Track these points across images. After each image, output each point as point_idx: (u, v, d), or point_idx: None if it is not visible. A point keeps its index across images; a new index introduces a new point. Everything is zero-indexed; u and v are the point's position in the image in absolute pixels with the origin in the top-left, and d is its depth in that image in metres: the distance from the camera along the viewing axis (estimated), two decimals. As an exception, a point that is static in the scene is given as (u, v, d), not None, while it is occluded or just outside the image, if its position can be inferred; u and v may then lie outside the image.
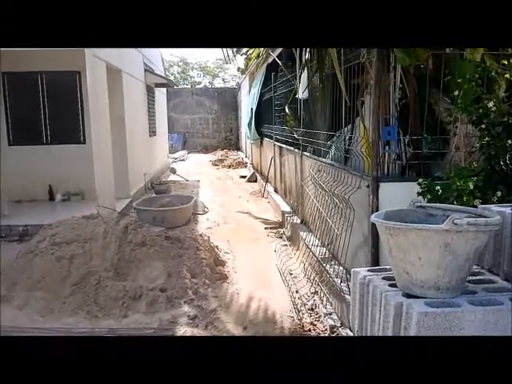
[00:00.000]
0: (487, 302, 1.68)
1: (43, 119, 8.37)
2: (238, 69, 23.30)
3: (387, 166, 3.67)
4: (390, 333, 1.70)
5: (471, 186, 2.72)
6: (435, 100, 3.65)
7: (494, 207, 2.07)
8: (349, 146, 4.39)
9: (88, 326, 3.89)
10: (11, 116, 8.34)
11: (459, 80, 3.00)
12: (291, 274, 5.05)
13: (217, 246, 5.67)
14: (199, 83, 32.99)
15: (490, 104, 2.81)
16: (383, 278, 1.93)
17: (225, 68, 33.19)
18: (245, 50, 14.46)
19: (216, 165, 17.13)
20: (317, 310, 4.11)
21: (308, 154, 5.99)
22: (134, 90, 10.07)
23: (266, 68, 10.39)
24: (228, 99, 24.09)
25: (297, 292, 4.54)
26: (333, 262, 4.36)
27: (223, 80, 33.45)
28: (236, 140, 23.95)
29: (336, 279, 3.97)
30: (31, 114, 8.32)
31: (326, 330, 3.73)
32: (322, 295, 4.24)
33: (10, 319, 3.95)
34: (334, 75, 4.48)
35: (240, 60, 19.19)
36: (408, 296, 1.74)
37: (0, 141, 8.27)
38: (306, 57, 5.66)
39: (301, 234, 5.68)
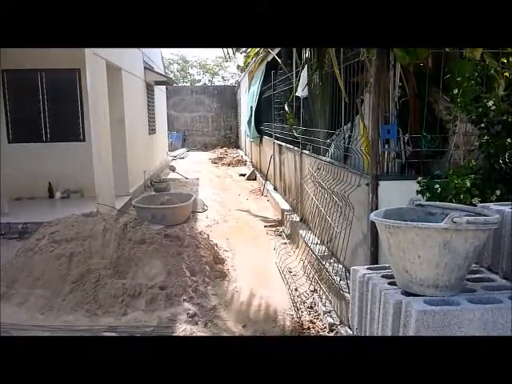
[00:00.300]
0: (486, 300, 1.69)
1: (43, 117, 8.37)
2: (238, 67, 23.30)
3: (387, 164, 3.67)
4: (389, 331, 1.71)
5: (468, 184, 2.72)
6: (435, 98, 3.65)
7: (493, 206, 2.08)
8: (348, 144, 4.40)
9: (88, 323, 3.89)
10: (11, 113, 8.34)
11: (459, 78, 3.00)
12: (290, 272, 5.06)
13: (216, 244, 5.68)
14: (199, 81, 32.96)
15: (490, 103, 2.81)
16: (382, 276, 1.93)
17: (224, 66, 33.16)
18: (244, 48, 14.44)
19: (215, 163, 17.12)
20: (316, 307, 4.12)
21: (307, 152, 5.99)
22: (134, 87, 10.07)
23: (266, 66, 10.38)
24: (227, 97, 24.07)
25: (296, 290, 4.55)
26: (332, 260, 4.37)
27: (223, 78, 33.43)
28: (235, 138, 23.94)
29: (335, 277, 3.98)
30: (31, 112, 8.32)
31: (325, 328, 3.74)
32: (321, 293, 4.25)
33: (9, 316, 3.95)
34: (334, 73, 4.48)
35: (240, 58, 19.17)
36: (407, 294, 1.75)
37: (0, 138, 8.27)
38: (306, 55, 5.67)
39: (300, 232, 5.69)
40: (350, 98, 4.23)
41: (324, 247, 4.80)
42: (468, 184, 2.71)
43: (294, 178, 6.96)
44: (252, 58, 13.46)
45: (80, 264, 4.51)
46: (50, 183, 8.40)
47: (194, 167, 15.72)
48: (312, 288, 4.47)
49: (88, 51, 6.52)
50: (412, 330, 1.58)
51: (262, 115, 11.30)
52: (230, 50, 6.66)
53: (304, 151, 6.20)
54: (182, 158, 19.38)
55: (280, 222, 7.39)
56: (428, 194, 2.93)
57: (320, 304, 4.05)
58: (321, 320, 3.88)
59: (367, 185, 3.57)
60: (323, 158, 5.05)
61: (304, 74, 5.66)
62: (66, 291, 4.26)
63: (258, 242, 6.44)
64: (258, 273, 5.13)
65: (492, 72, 3.19)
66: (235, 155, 18.90)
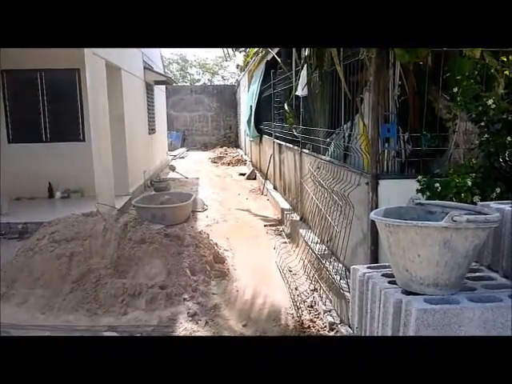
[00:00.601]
0: (486, 298, 1.69)
1: (43, 117, 8.37)
2: (237, 66, 23.26)
3: (386, 163, 3.67)
4: (389, 329, 1.71)
5: (469, 183, 2.72)
6: (434, 97, 3.65)
7: (493, 204, 2.08)
8: (348, 143, 4.39)
9: (88, 323, 3.90)
10: (11, 114, 8.34)
11: (458, 77, 3.00)
12: (291, 271, 5.06)
13: (216, 244, 5.68)
14: (198, 81, 32.96)
15: (490, 101, 2.81)
16: (383, 275, 1.93)
17: (224, 65, 33.15)
18: (244, 48, 14.43)
19: (215, 162, 17.11)
20: (316, 306, 4.12)
21: (307, 151, 5.99)
22: (134, 87, 10.06)
23: (265, 65, 10.37)
24: (227, 97, 24.07)
25: (296, 289, 4.55)
26: (332, 259, 4.37)
27: (222, 77, 33.43)
28: (235, 137, 23.94)
29: (335, 276, 3.98)
30: (31, 112, 8.32)
31: (325, 326, 3.74)
32: (321, 292, 4.25)
33: (10, 316, 3.96)
34: (333, 72, 4.48)
35: (239, 57, 19.16)
36: (407, 293, 1.74)
37: (0, 138, 8.26)
38: (306, 54, 5.66)
39: (300, 231, 5.69)
40: (350, 97, 4.23)
41: (324, 246, 4.80)
42: (469, 183, 2.72)
43: (294, 177, 6.96)
44: (251, 58, 13.45)
45: (80, 264, 4.52)
46: (49, 183, 8.40)
47: (194, 167, 15.72)
48: (312, 287, 4.47)
49: (87, 51, 6.52)
50: (412, 329, 1.58)
51: (262, 114, 11.30)
52: (229, 49, 6.65)
53: (304, 150, 6.20)
54: (182, 157, 19.38)
55: (280, 222, 7.39)
56: (428, 193, 2.93)
57: (320, 303, 4.05)
58: (321, 319, 3.89)
59: (367, 184, 3.57)
60: (323, 157, 5.05)
61: (304, 73, 5.65)
62: (66, 291, 4.26)
63: (258, 241, 6.44)
64: (258, 272, 5.13)
65: (492, 71, 3.19)
66: (235, 154, 18.90)
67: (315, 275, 4.57)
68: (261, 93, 11.12)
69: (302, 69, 5.73)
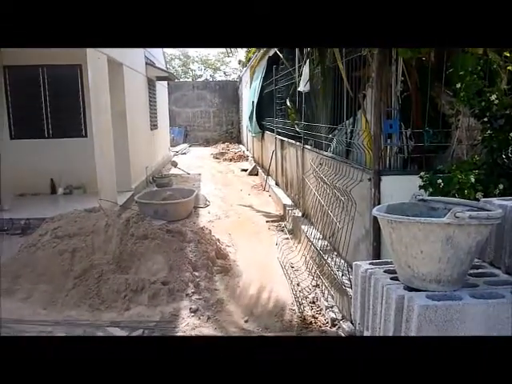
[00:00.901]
0: (489, 295, 1.69)
1: (45, 113, 8.37)
2: (239, 62, 23.23)
3: (389, 159, 3.67)
4: (391, 326, 1.71)
5: (472, 180, 2.72)
6: (437, 93, 3.64)
7: (495, 200, 2.07)
8: (350, 139, 4.39)
9: (90, 318, 3.91)
10: (13, 110, 8.33)
11: (461, 72, 2.98)
12: (293, 267, 5.07)
13: (218, 240, 5.68)
14: (200, 76, 32.90)
15: (493, 97, 2.80)
16: (385, 272, 1.93)
17: (226, 61, 33.08)
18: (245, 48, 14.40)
19: (217, 158, 17.11)
20: (318, 302, 4.13)
21: (309, 147, 5.98)
22: (136, 83, 10.05)
23: (267, 61, 10.34)
24: (229, 92, 24.03)
25: (298, 285, 4.55)
26: (334, 255, 4.37)
27: (224, 73, 33.36)
28: (237, 133, 23.91)
29: (337, 272, 3.98)
30: (33, 108, 8.32)
31: (327, 322, 3.75)
32: (323, 288, 4.25)
33: (13, 312, 3.97)
34: (336, 68, 4.47)
35: (241, 53, 19.12)
36: (409, 289, 1.75)
37: (2, 134, 8.27)
38: (308, 50, 5.65)
39: (302, 227, 5.69)
40: (352, 93, 4.22)
41: (326, 242, 4.80)
42: (472, 179, 2.71)
43: (296, 173, 6.96)
44: (253, 53, 13.42)
45: (83, 259, 4.53)
46: (52, 179, 8.41)
47: (196, 162, 15.72)
48: (314, 283, 4.48)
49: (89, 47, 6.52)
50: (414, 325, 1.59)
51: (264, 110, 11.28)
52: (231, 46, 6.65)
53: (306, 146, 6.19)
54: (184, 153, 19.38)
55: (282, 217, 7.39)
56: (430, 189, 2.93)
57: (322, 299, 4.06)
58: (323, 315, 3.89)
59: (369, 180, 3.57)
60: (325, 152, 5.04)
61: (306, 69, 5.64)
62: (68, 286, 4.28)
63: (260, 237, 6.44)
64: (261, 268, 5.14)
65: (495, 66, 3.18)
66: (237, 150, 18.88)
67: (317, 271, 4.57)
68: (263, 88, 11.10)
69: (304, 65, 5.71)
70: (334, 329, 3.63)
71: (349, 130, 4.49)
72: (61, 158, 8.35)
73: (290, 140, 7.57)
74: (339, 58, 4.20)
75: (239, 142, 22.87)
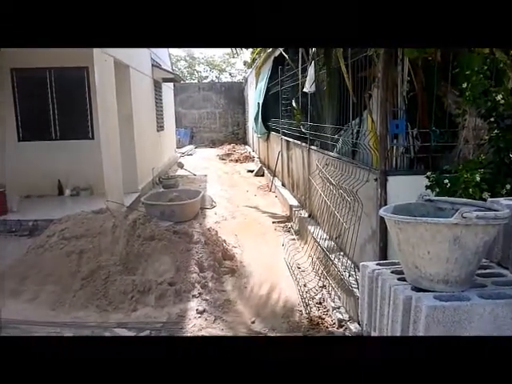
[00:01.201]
0: (497, 295, 1.68)
1: (52, 115, 8.42)
2: (245, 63, 23.22)
3: (395, 159, 3.66)
4: (398, 326, 1.71)
5: (477, 179, 2.71)
6: (443, 92, 3.63)
7: (503, 200, 2.06)
8: (356, 139, 4.38)
9: (98, 319, 3.93)
10: (20, 112, 8.39)
11: (468, 72, 2.97)
12: (299, 268, 5.06)
13: (225, 241, 5.69)
14: (206, 78, 32.94)
15: (499, 97, 2.79)
16: (392, 272, 1.93)
17: (231, 62, 33.11)
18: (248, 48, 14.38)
19: (223, 159, 17.13)
20: (325, 303, 4.12)
21: (315, 147, 5.97)
22: (142, 85, 10.09)
23: (273, 62, 10.35)
24: (235, 93, 24.06)
25: (305, 286, 4.55)
26: (341, 256, 4.36)
27: (230, 74, 33.37)
28: (243, 134, 23.93)
29: (344, 273, 3.98)
30: (40, 110, 8.37)
31: (334, 323, 3.74)
32: (329, 289, 4.25)
33: (21, 313, 4.00)
34: (341, 69, 4.46)
35: (246, 54, 19.13)
36: (417, 290, 1.74)
37: (10, 136, 8.33)
38: (313, 51, 5.65)
39: (308, 227, 5.69)
40: (358, 93, 4.22)
41: (332, 243, 4.79)
42: (478, 179, 2.70)
43: (302, 173, 6.95)
44: (257, 54, 13.43)
45: (90, 260, 4.55)
46: (59, 181, 8.46)
47: (202, 164, 15.75)
48: (321, 284, 4.47)
49: (96, 49, 6.54)
50: (422, 326, 1.58)
51: (270, 111, 11.28)
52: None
53: (312, 147, 6.19)
54: (190, 154, 19.41)
55: (288, 218, 7.38)
56: (437, 189, 2.92)
57: (329, 300, 4.05)
58: (330, 316, 3.89)
59: (376, 180, 3.56)
60: (331, 153, 5.04)
61: (311, 70, 5.64)
62: (76, 287, 4.30)
63: (266, 238, 6.44)
64: (267, 269, 5.14)
65: (501, 65, 3.16)
66: (243, 151, 18.89)
67: (324, 272, 4.57)
68: (268, 89, 11.10)
69: (310, 65, 5.71)
70: (340, 330, 3.62)
71: (355, 131, 4.48)
72: (68, 159, 8.40)
73: (295, 141, 7.57)
74: (342, 60, 4.20)
75: (245, 143, 22.88)
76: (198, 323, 3.82)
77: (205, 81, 30.85)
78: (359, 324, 3.39)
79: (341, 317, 3.70)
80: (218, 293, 4.45)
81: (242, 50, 10.84)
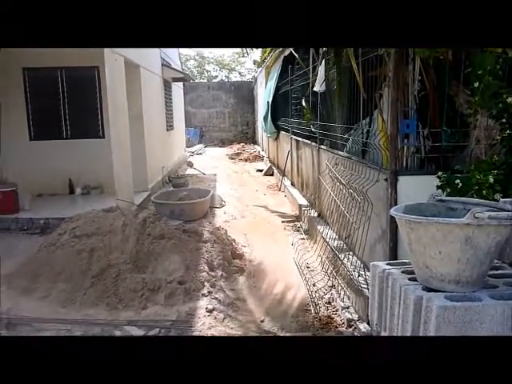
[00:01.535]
0: (508, 296, 1.67)
1: (63, 114, 8.49)
2: (254, 62, 23.21)
3: (406, 159, 3.64)
4: (409, 326, 1.70)
5: (491, 180, 2.69)
6: (455, 92, 3.60)
7: (515, 201, 2.05)
8: (367, 139, 4.37)
9: (108, 317, 3.96)
10: (32, 111, 8.47)
11: (480, 72, 2.95)
12: (308, 268, 5.06)
13: (234, 240, 5.70)
14: (215, 77, 33.00)
15: (510, 99, 2.77)
16: (402, 272, 1.92)
17: (241, 62, 33.12)
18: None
19: (233, 158, 17.15)
20: (334, 303, 4.11)
21: (325, 147, 5.96)
22: (152, 84, 10.13)
23: (283, 61, 10.34)
24: (244, 93, 24.08)
25: (314, 285, 4.55)
26: (350, 256, 4.35)
27: (239, 74, 33.39)
28: (252, 133, 23.95)
29: (353, 273, 3.97)
30: (51, 109, 8.44)
31: (343, 323, 3.74)
32: (339, 289, 4.24)
33: (33, 310, 4.04)
34: (352, 68, 4.45)
35: (256, 53, 19.13)
36: (428, 290, 1.74)
37: (21, 135, 8.41)
38: (324, 50, 5.63)
39: (318, 227, 5.68)
40: (369, 93, 4.20)
41: (342, 243, 4.78)
42: (491, 179, 2.68)
43: (312, 173, 6.94)
44: (268, 54, 13.42)
45: (100, 259, 4.59)
46: (70, 179, 8.52)
47: (212, 163, 15.78)
48: (330, 283, 4.47)
49: (107, 48, 6.58)
50: (433, 326, 1.57)
51: (279, 110, 11.27)
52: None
53: (321, 146, 6.17)
54: (200, 153, 19.47)
55: (297, 218, 7.38)
56: (448, 189, 2.90)
57: (338, 299, 4.04)
58: (339, 315, 3.88)
59: (386, 180, 3.55)
60: (341, 153, 5.02)
61: (321, 69, 5.63)
62: (86, 285, 4.33)
63: (275, 237, 6.44)
64: (276, 268, 5.14)
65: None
66: (252, 151, 18.90)
67: (333, 271, 4.56)
68: (278, 89, 11.09)
69: (320, 64, 5.70)
70: (349, 329, 3.61)
71: (365, 130, 4.47)
72: (79, 158, 8.47)
73: (305, 140, 7.56)
74: (353, 59, 4.18)
75: (254, 142, 22.89)
76: (207, 322, 3.84)
77: (214, 80, 30.91)
78: (368, 324, 3.39)
79: (350, 316, 3.70)
80: (228, 291, 4.46)
81: (252, 49, 10.85)
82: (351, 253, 4.44)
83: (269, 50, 13.28)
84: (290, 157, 9.62)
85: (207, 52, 32.87)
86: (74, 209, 6.54)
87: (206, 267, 4.68)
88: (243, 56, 30.07)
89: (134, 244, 4.79)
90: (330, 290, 4.34)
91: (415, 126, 3.52)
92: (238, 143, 22.16)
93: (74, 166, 8.46)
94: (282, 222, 7.26)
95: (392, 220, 3.37)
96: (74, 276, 4.45)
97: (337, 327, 3.71)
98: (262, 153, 17.41)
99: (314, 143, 6.70)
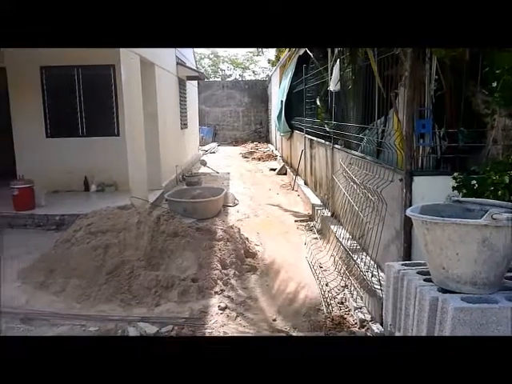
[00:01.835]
0: (526, 298, 1.65)
1: (79, 112, 8.58)
2: (269, 61, 23.22)
3: (421, 159, 3.61)
4: (424, 327, 1.69)
5: (507, 180, 2.65)
6: (472, 92, 3.56)
7: (534, 202, 2.02)
8: (381, 139, 4.34)
9: (122, 313, 4.00)
10: (49, 109, 8.57)
11: (497, 71, 2.91)
12: (321, 267, 5.05)
13: (247, 238, 5.71)
14: (230, 76, 33.05)
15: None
16: (418, 273, 1.91)
17: (255, 60, 33.13)
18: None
19: (246, 157, 17.17)
20: (347, 303, 4.10)
21: (339, 146, 5.94)
22: (167, 83, 10.18)
23: (297, 60, 10.32)
24: (258, 92, 24.08)
25: (327, 285, 4.54)
26: (363, 256, 4.33)
27: (253, 72, 33.40)
28: (266, 132, 23.94)
29: (367, 273, 3.95)
30: (68, 107, 8.53)
31: (355, 323, 3.72)
32: (352, 289, 4.23)
33: (48, 305, 4.10)
34: (367, 67, 4.42)
35: (271, 52, 19.11)
36: (443, 291, 1.72)
37: (38, 133, 8.52)
38: (339, 49, 5.61)
39: (331, 227, 5.66)
40: (384, 92, 4.17)
41: (355, 243, 4.76)
42: (507, 180, 2.64)
43: (325, 172, 6.92)
44: (284, 53, 13.41)
45: (115, 255, 4.63)
46: (85, 177, 8.61)
47: (225, 161, 15.82)
48: (343, 283, 4.45)
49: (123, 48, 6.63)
50: (448, 327, 1.56)
51: (293, 109, 11.26)
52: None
53: (336, 146, 6.15)
54: (213, 152, 19.53)
55: (310, 217, 7.36)
56: (464, 190, 2.87)
57: (351, 299, 4.03)
58: (351, 316, 3.87)
59: (401, 180, 3.52)
60: (355, 152, 5.00)
61: (336, 69, 5.61)
62: (101, 281, 4.38)
63: (288, 236, 6.44)
64: (289, 267, 5.14)
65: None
66: (265, 150, 18.90)
67: (346, 271, 4.54)
68: (292, 88, 11.07)
69: (335, 64, 5.68)
70: (362, 330, 3.60)
71: (380, 130, 4.44)
72: (94, 156, 8.55)
73: (319, 139, 7.53)
74: (372, 58, 4.15)
75: (268, 141, 22.89)
76: (219, 320, 3.85)
77: (228, 79, 30.95)
78: (381, 324, 3.37)
79: (363, 317, 3.68)
80: (240, 290, 4.47)
81: (267, 48, 10.85)
82: (364, 253, 4.42)
83: (284, 49, 13.26)
84: (303, 156, 9.60)
85: (221, 51, 32.93)
86: (89, 206, 6.61)
87: (219, 265, 4.70)
88: (258, 55, 30.09)
89: (148, 241, 4.83)
90: (343, 290, 4.33)
91: (431, 125, 3.49)
92: (252, 142, 22.18)
93: (90, 163, 8.54)
94: (295, 221, 7.25)
95: (407, 220, 3.35)
96: (88, 272, 4.49)
97: (349, 327, 3.69)
98: (276, 152, 17.40)
99: (327, 142, 6.68)
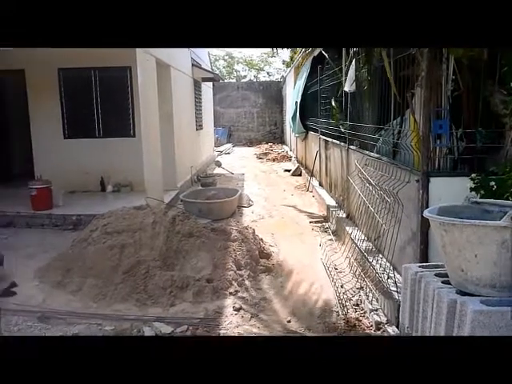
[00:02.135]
0: (547, 302, 1.62)
1: (96, 113, 8.67)
2: (283, 62, 23.19)
3: (438, 160, 3.58)
4: (442, 330, 1.67)
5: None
6: (490, 92, 3.51)
7: (554, 204, 1.98)
8: (398, 139, 4.30)
9: (137, 312, 4.02)
10: (66, 110, 8.68)
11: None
12: (336, 269, 5.02)
13: (262, 239, 5.71)
14: (244, 77, 33.12)
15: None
16: (435, 275, 1.89)
17: (270, 61, 33.15)
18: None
19: (260, 158, 17.17)
20: (362, 305, 4.07)
21: (354, 147, 5.91)
22: (182, 84, 10.25)
23: (312, 61, 10.29)
24: (273, 93, 24.09)
25: (342, 287, 4.51)
26: (379, 258, 4.30)
27: (268, 73, 33.41)
28: (281, 133, 23.93)
29: (382, 275, 3.92)
30: (85, 109, 8.63)
31: (371, 326, 3.70)
32: (367, 291, 4.19)
33: (65, 304, 4.15)
34: (383, 67, 4.39)
35: (286, 53, 19.10)
36: (462, 293, 1.70)
37: (56, 134, 8.64)
38: (354, 49, 5.58)
39: (346, 228, 5.63)
40: (400, 93, 4.14)
41: (371, 244, 4.72)
42: (526, 181, 2.60)
43: (341, 173, 6.89)
44: (298, 53, 13.39)
45: (130, 255, 4.66)
46: (102, 177, 8.70)
47: (240, 162, 15.85)
48: (358, 285, 4.42)
49: (139, 49, 6.69)
50: (467, 330, 1.54)
51: (308, 110, 11.22)
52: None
53: (351, 147, 6.12)
54: (228, 153, 19.58)
55: (325, 218, 7.33)
56: (482, 192, 2.84)
57: (366, 301, 4.00)
58: (367, 318, 3.84)
59: (417, 181, 3.49)
60: (371, 153, 4.97)
61: (352, 69, 5.58)
62: (117, 281, 4.41)
63: (303, 237, 6.42)
64: (304, 268, 5.12)
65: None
66: (280, 151, 18.88)
67: (361, 273, 4.51)
68: (306, 88, 11.04)
69: (350, 64, 5.65)
70: (378, 332, 3.57)
71: (396, 131, 4.41)
72: (110, 156, 8.63)
73: (334, 140, 7.50)
74: (386, 58, 4.12)
75: (282, 142, 22.87)
76: (234, 320, 3.86)
77: (243, 80, 31.01)
78: (397, 327, 3.34)
79: (378, 319, 3.65)
80: (255, 291, 4.47)
81: (282, 49, 10.84)
82: (380, 255, 4.38)
83: (299, 49, 13.24)
84: (318, 157, 9.56)
85: (236, 52, 33.03)
86: (105, 206, 6.67)
87: (234, 266, 4.70)
88: (272, 56, 30.10)
89: (164, 241, 4.86)
90: (358, 292, 4.30)
91: (448, 126, 3.45)
92: (266, 143, 22.18)
93: (106, 163, 8.63)
94: (310, 222, 7.22)
95: (423, 222, 3.31)
96: (104, 271, 4.54)
97: (365, 330, 3.67)
98: (290, 153, 17.37)
99: (343, 143, 6.65)
